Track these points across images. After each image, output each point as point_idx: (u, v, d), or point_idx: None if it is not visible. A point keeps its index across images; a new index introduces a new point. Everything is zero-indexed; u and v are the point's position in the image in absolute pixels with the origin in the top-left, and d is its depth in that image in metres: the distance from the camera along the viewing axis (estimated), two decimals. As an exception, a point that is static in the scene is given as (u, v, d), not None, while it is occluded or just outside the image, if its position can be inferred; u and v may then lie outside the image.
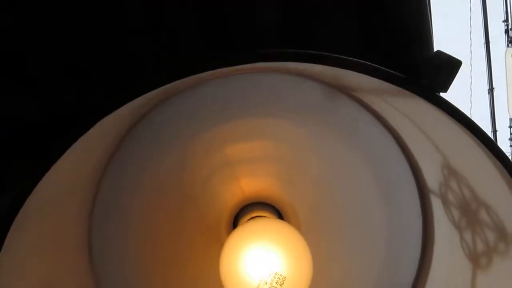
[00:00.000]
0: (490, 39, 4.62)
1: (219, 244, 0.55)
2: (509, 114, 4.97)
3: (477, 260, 0.48)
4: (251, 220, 0.54)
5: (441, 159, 0.48)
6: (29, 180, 0.35)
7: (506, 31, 5.09)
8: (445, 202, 0.53)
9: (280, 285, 0.46)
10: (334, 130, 0.58)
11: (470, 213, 0.47)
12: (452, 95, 0.40)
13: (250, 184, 0.63)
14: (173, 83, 0.37)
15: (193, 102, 0.57)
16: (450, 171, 0.48)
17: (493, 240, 0.44)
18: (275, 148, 0.62)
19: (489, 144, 0.34)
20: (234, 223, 0.62)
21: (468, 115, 0.34)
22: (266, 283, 0.46)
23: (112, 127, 0.49)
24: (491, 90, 4.88)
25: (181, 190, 0.60)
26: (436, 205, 0.56)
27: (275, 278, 0.46)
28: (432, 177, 0.55)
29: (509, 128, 5.68)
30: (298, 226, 0.60)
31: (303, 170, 0.62)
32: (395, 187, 0.60)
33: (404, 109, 0.44)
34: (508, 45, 5.04)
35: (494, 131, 4.73)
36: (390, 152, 0.58)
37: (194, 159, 0.61)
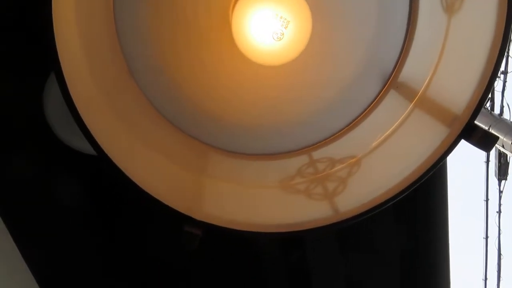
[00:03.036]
0: None
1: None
2: None
3: (452, 7, 0.56)
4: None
5: None
6: None
7: None
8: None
9: (285, 27, 0.54)
10: None
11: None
12: None
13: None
14: None
15: None
16: None
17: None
18: None
19: None
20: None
21: None
22: (272, 26, 0.54)
23: None
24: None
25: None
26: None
27: (280, 21, 0.55)
28: None
29: None
30: None
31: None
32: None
33: None
34: None
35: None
36: None
37: None
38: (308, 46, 0.63)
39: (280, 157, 0.74)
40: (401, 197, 0.51)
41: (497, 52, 0.46)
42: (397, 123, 0.64)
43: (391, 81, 0.71)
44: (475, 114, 0.49)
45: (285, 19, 0.55)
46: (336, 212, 0.56)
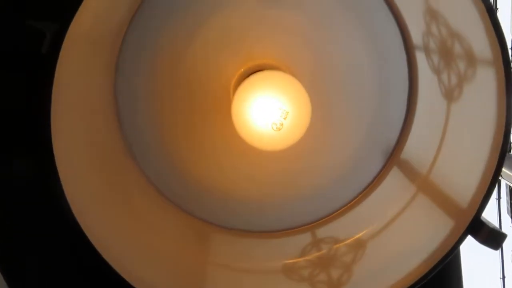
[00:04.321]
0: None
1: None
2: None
3: (451, 94, 0.56)
4: (256, 72, 0.61)
5: (424, 4, 0.55)
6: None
7: None
8: (427, 52, 0.61)
9: (284, 118, 0.54)
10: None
11: (446, 52, 0.55)
12: None
13: (254, 52, 0.70)
14: None
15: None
16: (431, 15, 0.54)
17: (463, 69, 0.51)
18: (276, 17, 0.68)
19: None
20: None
21: None
22: (271, 116, 0.55)
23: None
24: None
25: (194, 57, 0.67)
26: (420, 57, 0.63)
27: (279, 112, 0.55)
28: (416, 30, 0.61)
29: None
30: None
31: (298, 35, 0.68)
32: (383, 46, 0.66)
33: None
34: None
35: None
36: (379, 12, 0.64)
37: (204, 30, 0.66)
38: (309, 129, 0.63)
39: (284, 235, 0.72)
40: (408, 294, 0.48)
41: (500, 149, 0.45)
42: (401, 206, 0.63)
43: (393, 158, 0.71)
44: (481, 209, 0.48)
45: (285, 110, 0.55)
46: (341, 307, 0.54)
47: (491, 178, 0.47)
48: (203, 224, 0.70)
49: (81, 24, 0.39)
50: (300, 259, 0.66)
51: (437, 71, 0.59)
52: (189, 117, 0.68)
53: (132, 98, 0.64)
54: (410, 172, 0.66)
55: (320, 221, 0.73)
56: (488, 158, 0.48)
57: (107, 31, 0.55)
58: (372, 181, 0.72)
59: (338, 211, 0.73)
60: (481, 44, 0.46)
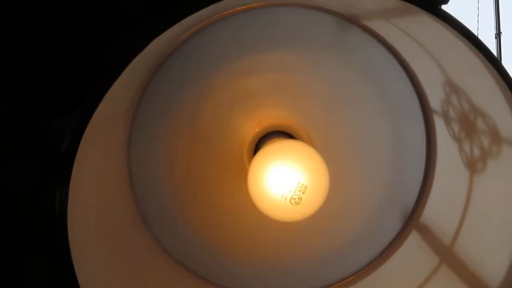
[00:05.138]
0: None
1: (244, 170, 0.62)
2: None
3: (474, 166, 0.55)
4: (270, 142, 0.60)
5: (443, 76, 0.54)
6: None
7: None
8: (446, 119, 0.59)
9: (302, 192, 0.53)
10: (342, 58, 0.63)
11: (468, 125, 0.53)
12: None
13: (266, 115, 0.69)
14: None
15: (208, 41, 0.62)
16: (451, 87, 0.53)
17: (488, 145, 0.50)
18: (288, 79, 0.68)
19: (486, 53, 0.40)
20: (255, 151, 0.69)
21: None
22: (290, 191, 0.53)
23: (142, 66, 0.55)
24: (498, 35, 4.78)
25: (205, 123, 0.66)
26: (439, 123, 0.62)
27: (297, 186, 0.53)
28: (434, 96, 0.60)
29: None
30: None
31: (314, 98, 0.67)
32: (400, 110, 0.65)
33: (409, 29, 0.49)
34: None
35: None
36: (396, 76, 0.63)
37: (215, 94, 0.66)
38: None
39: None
40: None
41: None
42: (424, 275, 0.61)
43: (412, 222, 0.69)
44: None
45: (303, 184, 0.53)
46: None
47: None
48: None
49: (99, 116, 0.39)
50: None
51: (458, 140, 0.58)
52: (203, 181, 0.66)
53: (146, 166, 0.63)
54: (432, 240, 0.64)
55: (338, 284, 0.71)
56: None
57: (122, 108, 0.54)
58: (391, 243, 0.70)
59: (356, 274, 0.71)
60: (506, 123, 0.45)
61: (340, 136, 0.68)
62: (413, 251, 0.67)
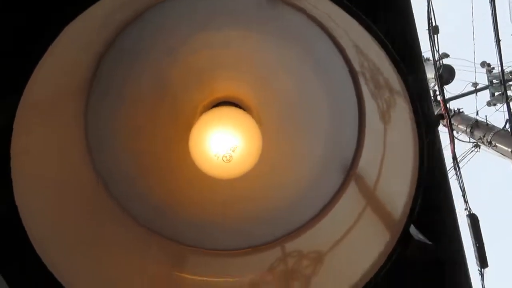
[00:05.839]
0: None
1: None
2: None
3: (384, 117, 0.62)
4: (211, 110, 0.68)
5: (353, 43, 0.61)
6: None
7: None
8: (366, 78, 0.66)
9: (232, 151, 0.60)
10: (281, 37, 0.70)
11: (375, 82, 0.60)
12: None
13: (216, 86, 0.76)
14: None
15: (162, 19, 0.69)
16: (361, 53, 0.60)
17: (388, 97, 0.57)
18: (236, 56, 0.74)
19: (363, 23, 0.47)
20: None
21: None
22: (222, 150, 0.61)
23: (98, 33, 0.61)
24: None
25: (161, 92, 0.73)
26: (362, 83, 0.69)
27: (229, 146, 0.61)
28: (355, 61, 0.67)
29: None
30: (257, 119, 0.74)
31: (257, 70, 0.74)
32: (333, 77, 0.72)
33: (325, 8, 0.55)
34: None
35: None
36: (325, 46, 0.70)
37: (170, 67, 0.72)
38: (264, 153, 0.69)
39: (256, 251, 0.78)
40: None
41: (418, 167, 0.51)
42: (354, 219, 0.69)
43: (351, 174, 0.76)
44: (408, 222, 0.53)
45: (234, 144, 0.61)
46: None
47: (414, 193, 0.53)
48: (175, 245, 0.75)
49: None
50: (266, 274, 0.72)
51: (374, 96, 0.65)
52: (158, 143, 0.73)
53: (103, 132, 0.70)
54: (363, 187, 0.72)
55: (291, 235, 0.79)
56: (411, 175, 0.54)
57: (81, 77, 0.61)
58: (335, 195, 0.78)
59: (304, 226, 0.79)
60: (391, 76, 0.52)
61: (282, 102, 0.75)
62: (350, 200, 0.74)
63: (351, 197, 0.74)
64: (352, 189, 0.75)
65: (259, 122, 0.71)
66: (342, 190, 0.77)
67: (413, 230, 0.55)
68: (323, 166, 0.77)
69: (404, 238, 0.53)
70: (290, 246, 0.77)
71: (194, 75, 0.74)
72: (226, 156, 0.60)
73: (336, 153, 0.77)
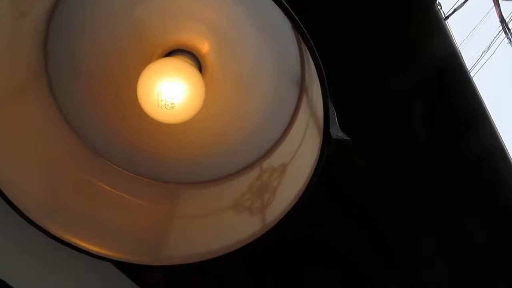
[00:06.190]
0: None
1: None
2: None
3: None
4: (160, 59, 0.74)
5: None
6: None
7: None
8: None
9: (172, 99, 0.68)
10: None
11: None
12: None
13: (172, 34, 0.80)
14: None
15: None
16: None
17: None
18: (198, 8, 0.78)
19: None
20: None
21: None
22: (164, 97, 0.68)
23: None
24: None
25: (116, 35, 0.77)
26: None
27: (170, 94, 0.68)
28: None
29: None
30: (211, 70, 0.80)
31: (209, 22, 0.78)
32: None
33: None
34: None
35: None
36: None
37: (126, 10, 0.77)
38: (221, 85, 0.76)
39: (235, 177, 0.87)
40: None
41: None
42: (304, 131, 0.75)
43: (302, 85, 0.81)
44: (327, 123, 0.59)
45: (175, 92, 0.68)
46: (264, 224, 0.69)
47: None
48: (164, 184, 0.86)
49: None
50: (246, 192, 0.81)
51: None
52: (117, 85, 0.79)
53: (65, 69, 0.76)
54: (309, 97, 0.77)
55: (268, 153, 0.87)
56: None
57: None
58: (296, 106, 0.84)
59: (274, 145, 0.86)
60: None
61: (231, 55, 0.79)
62: (304, 111, 0.80)
63: (304, 108, 0.80)
64: (304, 100, 0.80)
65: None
66: (299, 101, 0.83)
67: (335, 129, 0.60)
68: (280, 81, 0.81)
69: (327, 138, 0.59)
70: (267, 163, 0.85)
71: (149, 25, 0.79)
72: (168, 104, 0.67)
73: (289, 69, 0.81)
